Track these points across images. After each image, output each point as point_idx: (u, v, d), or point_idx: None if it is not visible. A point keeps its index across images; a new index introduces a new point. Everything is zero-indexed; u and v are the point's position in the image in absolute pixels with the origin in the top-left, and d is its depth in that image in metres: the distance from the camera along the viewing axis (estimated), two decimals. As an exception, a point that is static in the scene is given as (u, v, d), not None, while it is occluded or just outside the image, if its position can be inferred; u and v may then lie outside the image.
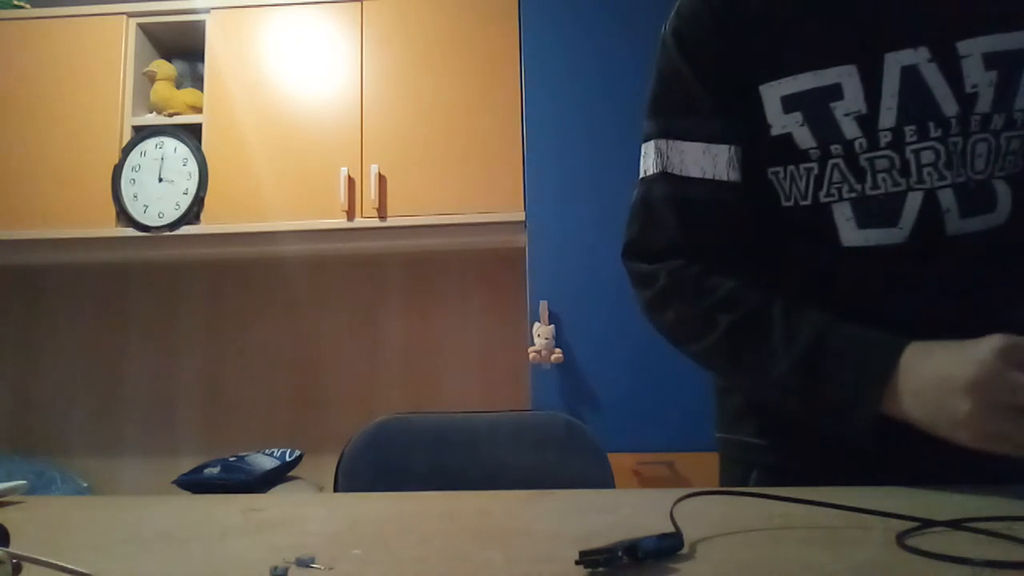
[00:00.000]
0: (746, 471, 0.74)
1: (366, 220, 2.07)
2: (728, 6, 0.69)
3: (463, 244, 2.21)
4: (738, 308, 0.66)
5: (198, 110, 2.19)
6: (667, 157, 0.71)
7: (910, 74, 0.63)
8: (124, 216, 2.12)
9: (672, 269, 0.70)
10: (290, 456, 2.07)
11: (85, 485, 2.29)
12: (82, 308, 2.49)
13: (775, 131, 0.67)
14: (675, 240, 0.71)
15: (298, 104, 2.14)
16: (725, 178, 0.69)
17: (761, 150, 0.69)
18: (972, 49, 0.62)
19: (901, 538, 0.40)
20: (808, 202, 0.68)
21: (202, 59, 2.21)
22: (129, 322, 2.48)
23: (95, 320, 2.48)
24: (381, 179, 2.07)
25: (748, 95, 0.68)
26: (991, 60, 0.61)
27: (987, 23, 0.62)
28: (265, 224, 2.09)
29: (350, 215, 2.07)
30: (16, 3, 2.36)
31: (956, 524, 0.42)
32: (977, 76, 0.62)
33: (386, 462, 0.97)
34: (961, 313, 0.64)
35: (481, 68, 2.11)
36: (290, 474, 2.11)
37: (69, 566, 0.37)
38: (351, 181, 2.08)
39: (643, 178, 0.74)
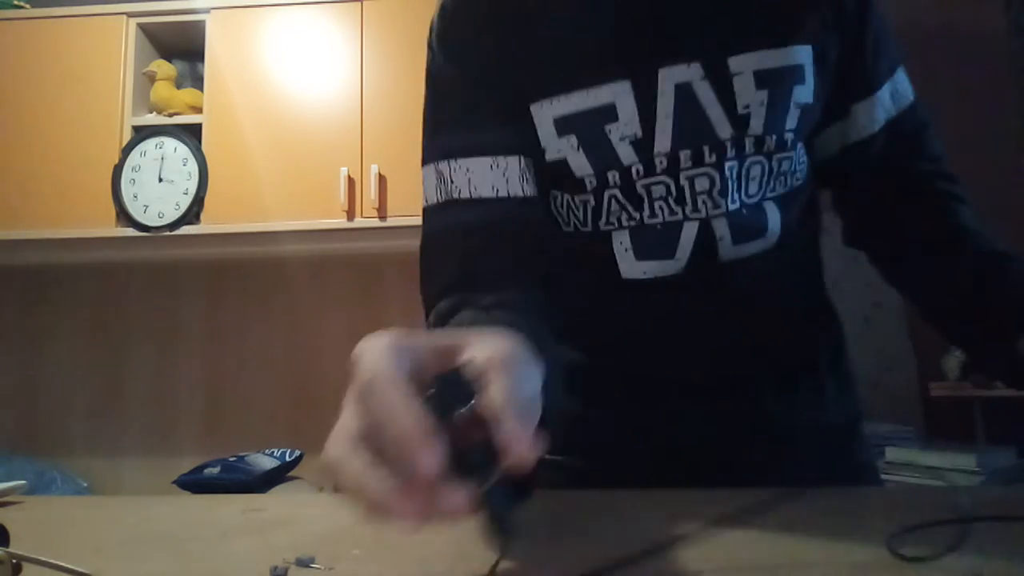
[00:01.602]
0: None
1: (366, 220, 2.07)
2: (494, 3, 0.63)
3: (463, 244, 2.20)
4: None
5: (198, 110, 2.19)
6: (451, 181, 0.62)
7: (684, 92, 0.60)
8: (124, 216, 2.12)
9: (438, 311, 0.57)
10: (290, 456, 2.07)
11: (85, 485, 2.29)
12: (82, 308, 2.49)
13: (550, 155, 0.62)
14: (454, 279, 0.59)
15: (298, 104, 2.14)
16: (520, 193, 0.61)
17: (540, 172, 0.63)
18: (743, 66, 0.59)
19: (899, 538, 0.40)
20: (588, 229, 0.65)
21: (202, 59, 2.21)
22: (129, 322, 2.48)
23: (95, 320, 2.48)
24: (381, 179, 2.07)
25: (521, 112, 0.62)
26: (761, 79, 0.59)
27: (756, 38, 0.60)
28: (265, 224, 2.09)
29: (350, 215, 2.07)
30: (16, 3, 2.36)
31: (954, 524, 0.42)
32: (748, 96, 0.60)
33: (386, 462, 0.97)
34: (737, 339, 0.66)
35: (481, 68, 2.11)
36: (290, 474, 2.11)
37: (69, 566, 0.37)
38: (351, 181, 2.08)
39: (425, 208, 0.64)
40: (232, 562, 0.43)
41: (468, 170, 0.61)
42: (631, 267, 0.64)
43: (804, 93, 0.62)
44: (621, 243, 0.64)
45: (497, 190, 0.60)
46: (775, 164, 0.63)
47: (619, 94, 0.60)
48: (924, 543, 0.38)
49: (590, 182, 0.62)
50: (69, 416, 2.44)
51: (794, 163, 0.65)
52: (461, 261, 0.59)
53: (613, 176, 0.62)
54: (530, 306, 0.55)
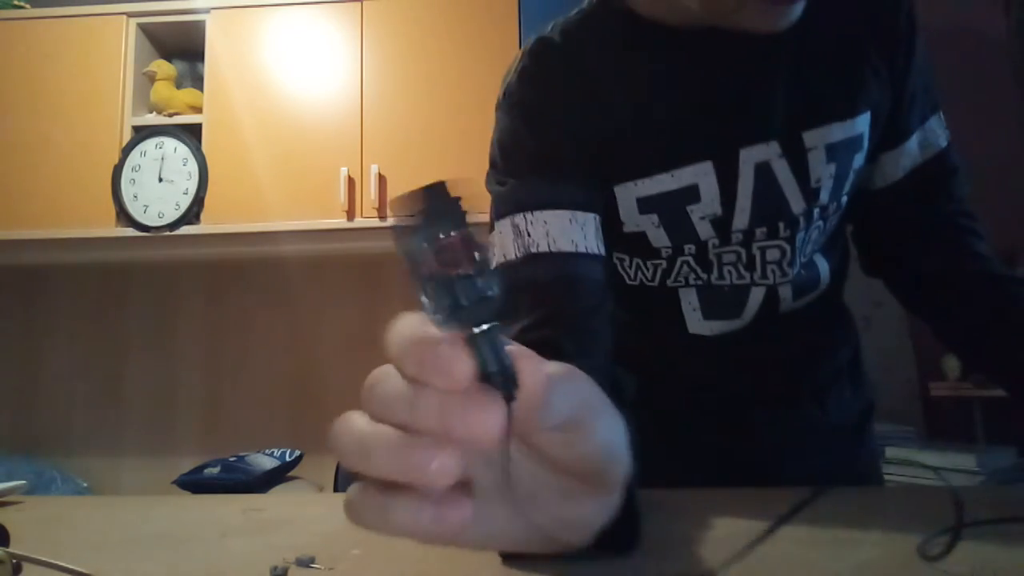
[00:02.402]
0: None
1: (366, 220, 2.07)
2: (574, 73, 0.62)
3: (463, 244, 2.20)
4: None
5: (198, 110, 2.19)
6: (527, 234, 0.58)
7: (763, 171, 0.61)
8: (124, 216, 2.12)
9: None
10: (290, 456, 2.07)
11: (85, 485, 2.29)
12: (82, 308, 2.49)
13: (628, 228, 0.64)
14: (523, 340, 0.58)
15: (298, 104, 2.14)
16: (595, 251, 0.59)
17: (611, 238, 0.64)
18: (816, 140, 0.61)
19: (903, 537, 0.40)
20: (655, 284, 0.67)
21: (202, 59, 2.21)
22: (129, 322, 2.48)
23: (95, 320, 2.48)
24: (381, 179, 2.07)
25: (600, 184, 0.62)
26: (831, 151, 0.61)
27: (827, 112, 0.61)
28: (265, 224, 2.09)
29: (350, 215, 2.07)
30: (16, 3, 2.36)
31: (963, 527, 0.42)
32: (820, 170, 0.61)
33: (386, 462, 0.97)
34: (784, 366, 0.71)
35: (481, 68, 2.11)
36: (290, 474, 2.11)
37: (69, 566, 0.37)
38: (351, 181, 2.08)
39: (501, 264, 0.60)
40: (232, 562, 0.43)
41: (546, 223, 0.58)
42: (698, 325, 0.68)
43: (860, 158, 0.63)
44: (689, 302, 0.67)
45: (576, 245, 0.58)
46: (829, 224, 0.66)
47: (701, 175, 0.61)
48: (930, 543, 0.38)
49: (666, 251, 0.65)
50: (69, 416, 2.44)
51: (840, 212, 0.67)
52: (535, 322, 0.55)
53: (689, 248, 0.64)
54: (602, 375, 0.53)
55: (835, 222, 0.67)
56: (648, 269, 0.67)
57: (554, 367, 0.27)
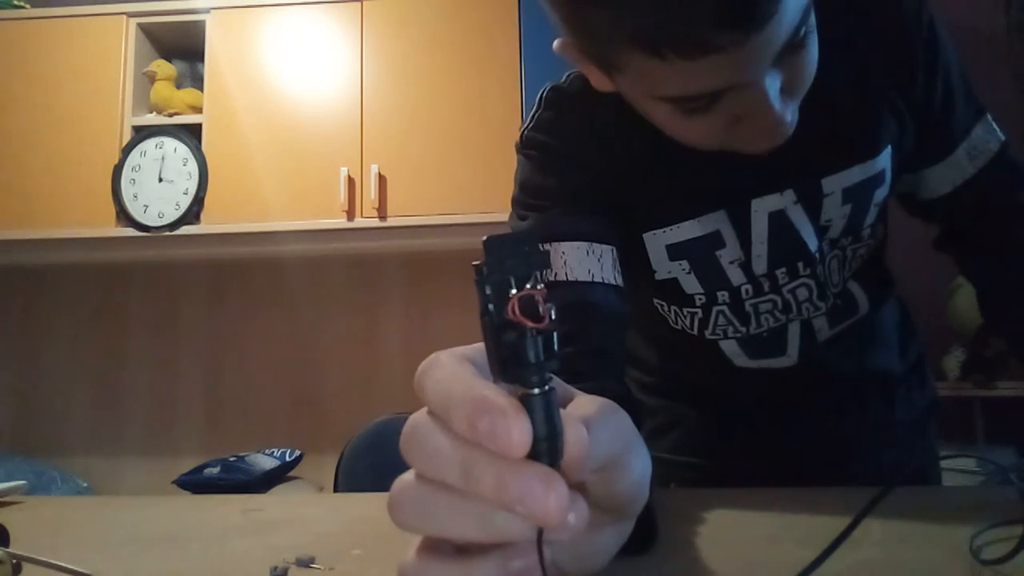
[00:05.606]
0: (663, 485, 0.77)
1: (366, 220, 2.07)
2: (588, 122, 0.62)
3: (463, 244, 2.21)
4: None
5: (198, 110, 2.19)
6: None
7: (777, 218, 0.61)
8: (124, 216, 2.12)
9: None
10: (290, 456, 2.08)
11: (85, 485, 2.29)
12: (82, 308, 2.49)
13: (660, 275, 0.64)
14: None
15: (298, 104, 2.14)
16: (613, 281, 0.59)
17: (647, 284, 0.65)
18: (834, 186, 0.61)
19: (897, 538, 0.40)
20: (695, 334, 0.68)
21: (202, 59, 2.21)
22: (129, 322, 2.48)
23: (95, 320, 2.48)
24: (381, 179, 2.07)
25: (631, 240, 0.63)
26: (848, 194, 0.61)
27: (848, 157, 0.61)
28: (265, 224, 2.09)
29: (350, 215, 2.07)
30: (16, 3, 2.36)
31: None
32: (833, 211, 0.62)
33: (386, 462, 0.97)
34: (847, 376, 0.71)
35: (481, 68, 2.11)
36: (290, 474, 2.11)
37: (69, 566, 0.37)
38: (351, 181, 2.08)
39: None
40: (232, 562, 0.43)
41: (564, 253, 0.58)
42: (746, 362, 0.69)
43: (883, 192, 0.63)
44: (732, 350, 0.68)
45: (593, 275, 0.58)
46: (850, 253, 0.66)
47: (720, 222, 0.62)
48: (926, 542, 0.38)
49: (699, 299, 0.65)
50: (69, 416, 2.44)
51: (865, 243, 0.67)
52: (567, 342, 0.54)
53: (722, 295, 0.65)
54: (620, 399, 0.53)
55: (863, 252, 0.67)
56: (685, 317, 0.67)
57: (591, 407, 0.27)
